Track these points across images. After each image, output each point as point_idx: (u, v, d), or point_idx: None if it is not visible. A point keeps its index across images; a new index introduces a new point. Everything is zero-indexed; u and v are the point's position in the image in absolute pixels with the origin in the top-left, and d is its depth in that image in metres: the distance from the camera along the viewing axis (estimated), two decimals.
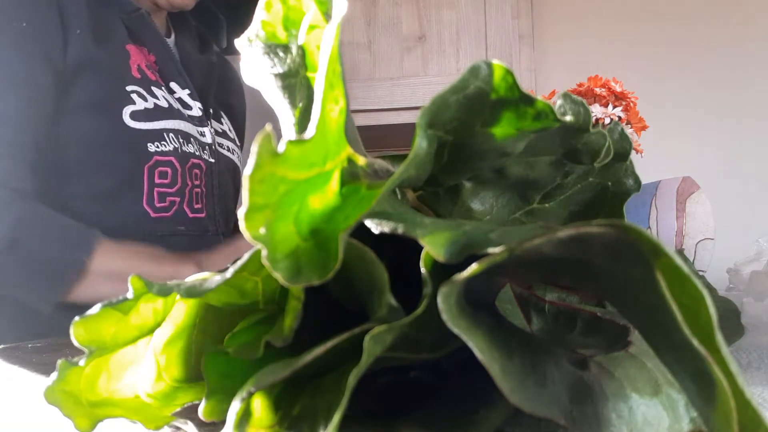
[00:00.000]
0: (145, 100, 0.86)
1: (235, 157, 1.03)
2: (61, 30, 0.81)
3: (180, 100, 0.93)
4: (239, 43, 0.27)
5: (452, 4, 1.70)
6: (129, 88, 0.85)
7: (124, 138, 0.84)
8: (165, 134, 0.87)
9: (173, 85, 0.93)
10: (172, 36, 1.01)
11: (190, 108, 0.94)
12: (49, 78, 0.80)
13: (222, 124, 1.04)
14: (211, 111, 1.00)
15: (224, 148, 1.00)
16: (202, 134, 0.94)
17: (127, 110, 0.84)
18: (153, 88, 0.89)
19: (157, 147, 0.86)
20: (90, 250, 0.75)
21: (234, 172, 1.03)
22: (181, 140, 0.89)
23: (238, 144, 1.08)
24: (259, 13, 0.27)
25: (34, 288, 0.75)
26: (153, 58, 0.92)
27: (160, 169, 0.86)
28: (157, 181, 0.86)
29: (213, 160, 0.95)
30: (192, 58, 1.00)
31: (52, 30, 0.81)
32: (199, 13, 1.11)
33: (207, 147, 0.95)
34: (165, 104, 0.89)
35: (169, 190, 0.87)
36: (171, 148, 0.87)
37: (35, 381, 0.40)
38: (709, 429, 0.17)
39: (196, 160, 0.91)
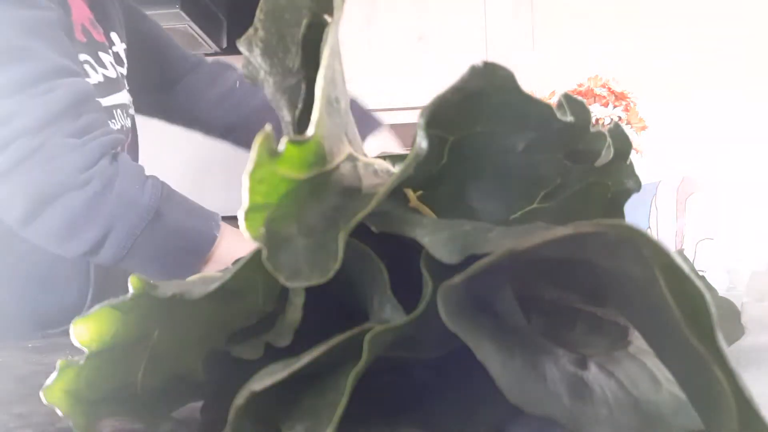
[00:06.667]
0: (96, 71, 0.75)
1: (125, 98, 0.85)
2: None
3: (117, 55, 0.80)
4: (239, 43, 0.27)
5: (452, 4, 1.70)
6: (81, 57, 0.73)
7: None
8: (114, 111, 0.76)
9: (113, 35, 0.80)
10: None
11: (123, 64, 0.81)
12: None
13: (109, 55, 0.82)
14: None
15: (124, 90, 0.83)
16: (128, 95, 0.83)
17: None
18: (100, 53, 0.76)
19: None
20: (219, 226, 0.72)
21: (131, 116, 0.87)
22: (124, 116, 0.79)
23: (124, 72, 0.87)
24: (259, 13, 0.27)
25: (176, 260, 0.70)
26: (87, 1, 0.77)
27: None
28: None
29: (130, 125, 0.84)
30: None
31: None
32: (199, 13, 1.08)
33: (128, 112, 0.83)
34: (113, 74, 0.77)
35: None
36: (119, 126, 0.77)
37: (35, 381, 0.40)
38: (709, 429, 0.17)
39: (128, 134, 0.82)
